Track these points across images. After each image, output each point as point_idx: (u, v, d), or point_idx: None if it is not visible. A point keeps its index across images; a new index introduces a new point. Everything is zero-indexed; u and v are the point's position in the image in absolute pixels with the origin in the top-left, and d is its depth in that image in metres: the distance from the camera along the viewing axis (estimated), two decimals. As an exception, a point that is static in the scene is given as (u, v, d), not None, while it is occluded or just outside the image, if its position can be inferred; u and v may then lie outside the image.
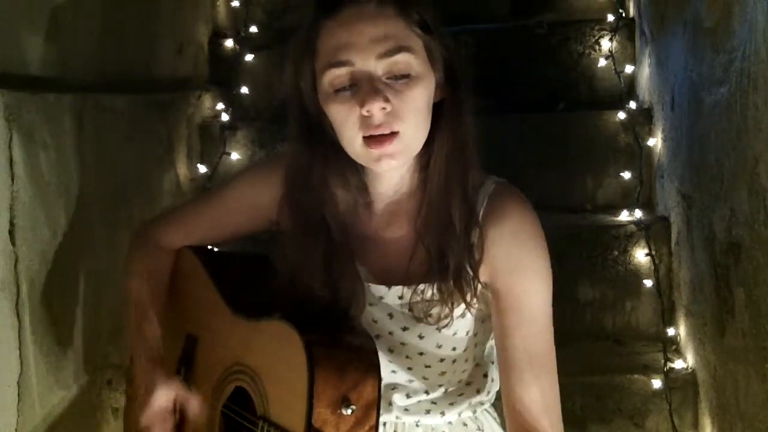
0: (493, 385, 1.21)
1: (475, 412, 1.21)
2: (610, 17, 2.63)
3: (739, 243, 1.55)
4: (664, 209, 2.23)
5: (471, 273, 1.09)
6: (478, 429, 1.21)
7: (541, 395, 1.08)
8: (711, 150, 1.73)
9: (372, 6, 1.04)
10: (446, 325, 1.12)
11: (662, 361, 2.00)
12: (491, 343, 1.20)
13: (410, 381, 1.16)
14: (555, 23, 2.66)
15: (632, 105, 2.42)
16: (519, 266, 1.10)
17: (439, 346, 1.14)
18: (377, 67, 1.03)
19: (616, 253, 2.18)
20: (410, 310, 1.11)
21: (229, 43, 2.67)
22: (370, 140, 1.03)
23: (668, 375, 1.96)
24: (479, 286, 1.11)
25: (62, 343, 1.49)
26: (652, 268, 2.14)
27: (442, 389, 1.17)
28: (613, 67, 2.53)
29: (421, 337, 1.14)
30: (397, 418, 1.18)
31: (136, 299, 1.26)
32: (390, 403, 1.17)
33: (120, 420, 1.70)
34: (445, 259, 1.08)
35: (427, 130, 1.08)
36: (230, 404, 1.17)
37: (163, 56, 2.26)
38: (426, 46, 1.06)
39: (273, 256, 1.17)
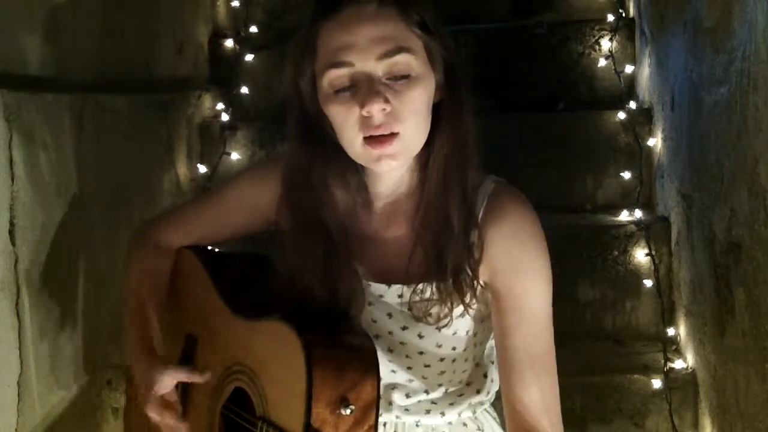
0: (493, 386, 1.21)
1: (474, 412, 1.21)
2: (610, 17, 2.63)
3: (739, 243, 1.55)
4: (664, 209, 2.23)
5: (470, 273, 1.09)
6: (478, 429, 1.21)
7: (541, 395, 1.08)
8: (711, 150, 1.73)
9: (372, 7, 1.04)
10: (446, 325, 1.12)
11: (662, 361, 2.00)
12: (491, 343, 1.20)
13: (410, 380, 1.16)
14: (555, 23, 2.67)
15: (632, 105, 2.42)
16: (519, 266, 1.10)
17: (439, 346, 1.14)
18: (377, 67, 1.03)
19: (616, 253, 2.19)
20: (410, 309, 1.11)
21: (229, 43, 2.67)
22: (370, 140, 1.03)
23: (668, 375, 1.96)
24: (479, 286, 1.11)
25: (62, 343, 1.49)
26: (652, 268, 2.14)
27: (442, 389, 1.17)
28: (613, 67, 2.53)
29: (420, 336, 1.14)
30: (397, 417, 1.18)
31: (135, 300, 1.27)
32: (390, 403, 1.17)
33: (120, 420, 1.70)
34: (443, 259, 1.08)
35: (427, 131, 1.08)
36: (230, 405, 1.17)
37: (163, 56, 2.26)
38: (426, 47, 1.06)
39: (272, 256, 1.18)
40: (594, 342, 2.17)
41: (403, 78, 1.03)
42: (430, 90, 1.07)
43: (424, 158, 1.10)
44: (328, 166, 1.11)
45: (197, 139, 2.46)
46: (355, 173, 1.13)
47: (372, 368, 1.03)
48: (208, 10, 2.68)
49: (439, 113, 1.09)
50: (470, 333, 1.16)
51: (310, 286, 1.12)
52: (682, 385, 1.96)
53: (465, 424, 1.21)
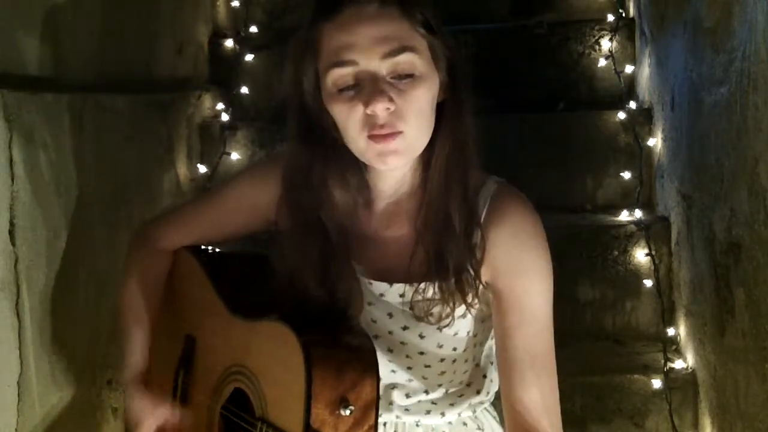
0: (493, 386, 1.21)
1: (474, 411, 1.21)
2: (610, 17, 2.63)
3: (739, 243, 1.55)
4: (664, 209, 2.23)
5: (472, 273, 1.09)
6: (478, 428, 1.21)
7: (541, 396, 1.08)
8: (711, 150, 1.73)
9: (374, 7, 1.04)
10: (447, 325, 1.12)
11: (662, 361, 2.00)
12: (490, 343, 1.20)
13: (410, 380, 1.16)
14: (555, 23, 2.66)
15: (632, 105, 2.42)
16: (520, 267, 1.10)
17: (440, 346, 1.14)
18: (381, 67, 1.03)
19: (616, 253, 2.18)
20: (411, 308, 1.11)
21: (229, 43, 2.67)
22: (375, 137, 1.03)
23: (668, 375, 1.96)
24: (480, 287, 1.11)
25: (62, 343, 1.49)
26: (652, 268, 2.14)
27: (442, 389, 1.17)
28: (613, 67, 2.53)
29: (421, 336, 1.14)
30: (397, 417, 1.18)
31: (128, 303, 1.28)
32: (390, 403, 1.17)
33: (120, 420, 1.70)
34: (445, 259, 1.08)
35: (431, 131, 1.08)
36: (229, 405, 1.17)
37: (163, 56, 2.26)
38: (430, 46, 1.06)
39: (272, 257, 1.18)
40: (594, 342, 2.17)
41: (407, 77, 1.04)
42: (434, 89, 1.07)
43: (426, 158, 1.10)
44: (328, 165, 1.11)
45: (197, 139, 2.46)
46: (357, 173, 1.12)
47: (371, 368, 1.03)
48: (208, 10, 2.68)
49: (441, 113, 1.09)
50: (471, 333, 1.16)
51: (309, 286, 1.12)
52: (682, 385, 1.96)
53: (465, 424, 1.21)
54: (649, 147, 2.35)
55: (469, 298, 1.10)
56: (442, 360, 1.15)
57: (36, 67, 1.51)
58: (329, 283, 1.12)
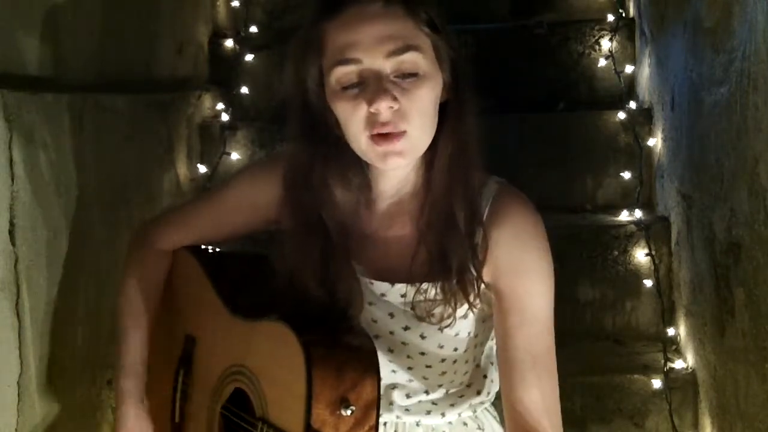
0: (493, 386, 1.21)
1: (475, 411, 1.21)
2: (610, 17, 2.63)
3: (739, 243, 1.55)
4: (664, 209, 2.23)
5: (474, 273, 1.09)
6: (479, 428, 1.21)
7: (541, 396, 1.08)
8: (711, 150, 1.73)
9: (378, 5, 1.04)
10: (448, 326, 1.12)
11: (662, 361, 2.00)
12: (491, 344, 1.20)
13: (410, 381, 1.16)
14: (555, 23, 2.66)
15: (632, 105, 2.42)
16: (521, 267, 1.10)
17: (441, 347, 1.14)
18: (385, 65, 1.03)
19: (616, 253, 2.18)
20: (412, 309, 1.11)
21: (229, 43, 2.67)
22: (377, 137, 1.03)
23: (668, 375, 1.96)
24: (482, 287, 1.11)
25: (62, 343, 1.49)
26: (652, 268, 2.14)
27: (443, 390, 1.17)
28: (613, 67, 2.53)
29: (422, 336, 1.13)
30: (397, 417, 1.18)
31: (128, 303, 1.28)
32: (390, 403, 1.17)
33: (120, 420, 1.70)
34: (448, 259, 1.08)
35: (434, 130, 1.07)
36: (229, 405, 1.16)
37: (163, 56, 2.26)
38: (434, 46, 1.06)
39: (272, 257, 1.17)
40: (594, 342, 2.17)
41: (411, 76, 1.03)
42: (437, 89, 1.07)
43: (428, 158, 1.10)
44: (330, 164, 1.11)
45: (197, 139, 2.46)
46: (359, 172, 1.12)
47: (372, 368, 1.03)
48: (208, 10, 2.68)
49: (444, 113, 1.09)
50: (471, 334, 1.16)
51: (310, 285, 1.12)
52: (682, 385, 1.96)
53: (465, 424, 1.21)
54: (649, 147, 2.35)
55: (471, 298, 1.10)
56: (442, 360, 1.15)
57: (36, 67, 1.51)
58: (329, 283, 1.12)
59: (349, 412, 0.99)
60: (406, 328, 1.13)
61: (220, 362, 1.19)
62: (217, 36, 2.70)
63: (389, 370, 1.14)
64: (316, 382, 0.98)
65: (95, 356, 1.62)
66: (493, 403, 1.24)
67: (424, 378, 1.16)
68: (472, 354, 1.17)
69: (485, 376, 1.20)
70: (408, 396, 1.17)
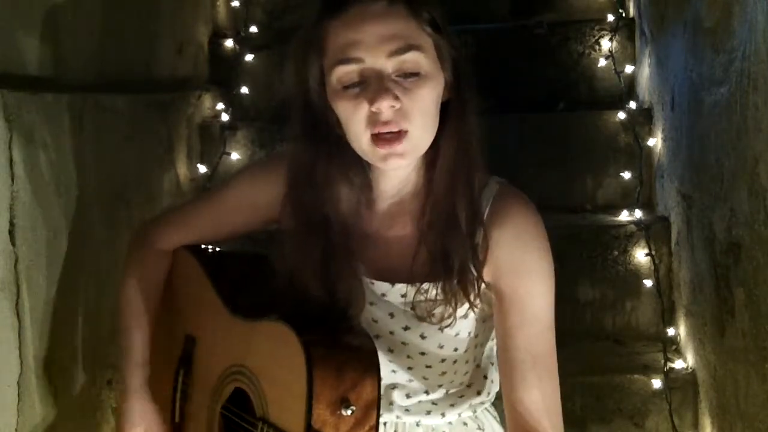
0: (493, 387, 1.21)
1: (475, 411, 1.21)
2: (610, 17, 2.63)
3: (739, 243, 1.55)
4: (664, 209, 2.23)
5: (475, 273, 1.09)
6: (479, 428, 1.21)
7: (542, 397, 1.08)
8: (711, 150, 1.73)
9: (381, 5, 1.04)
10: (449, 325, 1.12)
11: (662, 361, 2.00)
12: (491, 344, 1.20)
13: (410, 381, 1.16)
14: (555, 23, 2.66)
15: (632, 105, 2.42)
16: (522, 268, 1.10)
17: (441, 347, 1.14)
18: (387, 64, 1.03)
19: (616, 253, 2.18)
20: (413, 309, 1.11)
21: (229, 43, 2.67)
22: (378, 139, 1.03)
23: (668, 375, 1.96)
24: (483, 287, 1.11)
25: (62, 343, 1.49)
26: (652, 268, 2.14)
27: (443, 390, 1.17)
28: (613, 67, 2.53)
29: (423, 337, 1.13)
30: (397, 417, 1.18)
31: (128, 303, 1.28)
32: (390, 403, 1.17)
33: (120, 420, 1.70)
34: (450, 259, 1.08)
35: (435, 130, 1.07)
36: (229, 405, 1.16)
37: (163, 56, 2.26)
38: (436, 46, 1.06)
39: (272, 257, 1.17)
40: (594, 342, 2.17)
41: (413, 76, 1.03)
42: (439, 89, 1.07)
43: (430, 158, 1.10)
44: (331, 163, 1.11)
45: (197, 139, 2.46)
46: (360, 172, 1.12)
47: (372, 368, 1.03)
48: (208, 10, 2.68)
49: (445, 113, 1.09)
50: (472, 334, 1.16)
51: (310, 285, 1.12)
52: (682, 385, 1.96)
53: (465, 424, 1.21)
54: (649, 147, 2.35)
55: (472, 298, 1.10)
56: (443, 360, 1.15)
57: (36, 67, 1.51)
58: (330, 283, 1.11)
59: (349, 412, 0.99)
60: (406, 328, 1.13)
61: (220, 362, 1.19)
62: (217, 36, 2.70)
63: (389, 370, 1.14)
64: (316, 382, 0.98)
65: (95, 356, 1.62)
66: (494, 404, 1.24)
67: (424, 378, 1.16)
68: (472, 354, 1.17)
69: (485, 377, 1.20)
70: (408, 396, 1.17)
